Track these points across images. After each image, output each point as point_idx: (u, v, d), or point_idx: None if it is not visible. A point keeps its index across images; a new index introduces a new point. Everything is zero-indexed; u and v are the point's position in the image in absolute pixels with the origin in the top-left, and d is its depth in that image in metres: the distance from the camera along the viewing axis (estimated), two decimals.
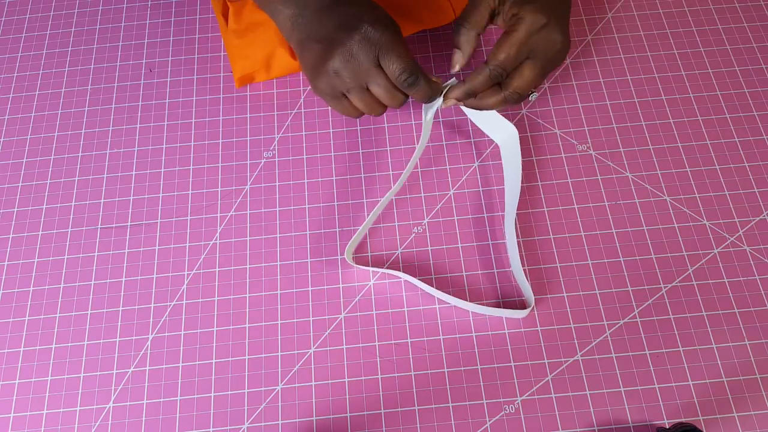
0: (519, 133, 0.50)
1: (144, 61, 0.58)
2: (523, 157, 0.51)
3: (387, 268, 0.47)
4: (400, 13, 0.54)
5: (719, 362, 0.44)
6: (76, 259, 0.49)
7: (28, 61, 0.58)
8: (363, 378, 0.45)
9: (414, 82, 0.42)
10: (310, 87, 0.45)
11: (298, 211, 0.50)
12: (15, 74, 0.58)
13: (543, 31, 0.42)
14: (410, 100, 0.51)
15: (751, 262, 0.47)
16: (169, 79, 0.57)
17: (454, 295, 0.46)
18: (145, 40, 0.59)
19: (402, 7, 0.55)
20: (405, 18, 0.55)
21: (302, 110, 0.54)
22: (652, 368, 0.44)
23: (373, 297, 0.47)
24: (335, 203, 0.50)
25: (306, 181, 0.51)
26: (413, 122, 0.53)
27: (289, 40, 0.45)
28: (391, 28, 0.42)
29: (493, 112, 0.47)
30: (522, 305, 0.46)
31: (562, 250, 0.48)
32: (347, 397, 0.44)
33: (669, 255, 0.47)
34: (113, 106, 0.56)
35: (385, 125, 0.53)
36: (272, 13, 0.45)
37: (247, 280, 0.48)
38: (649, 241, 0.48)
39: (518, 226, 0.49)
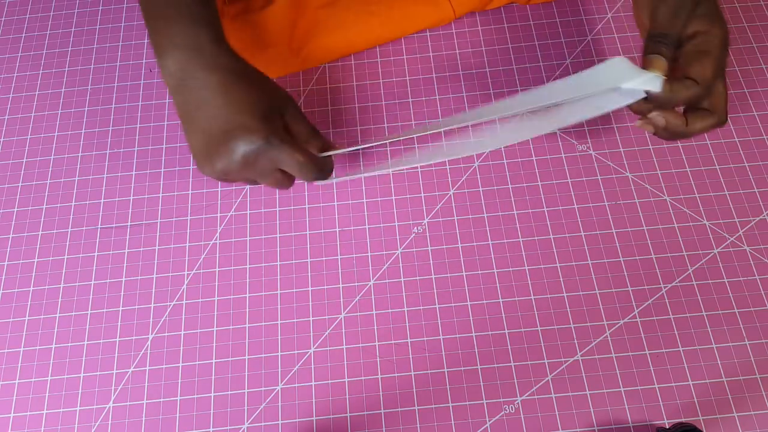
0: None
1: (144, 61, 0.58)
2: (523, 157, 0.51)
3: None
4: (400, 13, 0.55)
5: (719, 362, 0.44)
6: (76, 259, 0.49)
7: (27, 61, 0.58)
8: (363, 378, 0.45)
9: (318, 177, 0.41)
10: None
11: (298, 211, 0.50)
12: (15, 74, 0.58)
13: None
14: (409, 100, 0.51)
15: (751, 262, 0.47)
16: None
17: (453, 295, 0.46)
18: (145, 40, 0.59)
19: (402, 7, 0.55)
20: (405, 18, 0.55)
21: (302, 110, 0.54)
22: (652, 368, 0.44)
23: (373, 297, 0.47)
24: (335, 203, 0.50)
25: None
26: (413, 122, 0.53)
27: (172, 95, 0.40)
28: (279, 134, 0.38)
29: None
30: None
31: (562, 250, 0.48)
32: (347, 397, 0.44)
33: (669, 255, 0.47)
34: (113, 106, 0.56)
35: (385, 125, 0.53)
36: (157, 52, 0.39)
37: (247, 280, 0.48)
38: (649, 241, 0.48)
39: (518, 226, 0.49)
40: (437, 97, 0.54)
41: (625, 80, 0.40)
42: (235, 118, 0.38)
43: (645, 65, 0.40)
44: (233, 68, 0.39)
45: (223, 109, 0.38)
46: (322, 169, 0.41)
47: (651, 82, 0.39)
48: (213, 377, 0.45)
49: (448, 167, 0.52)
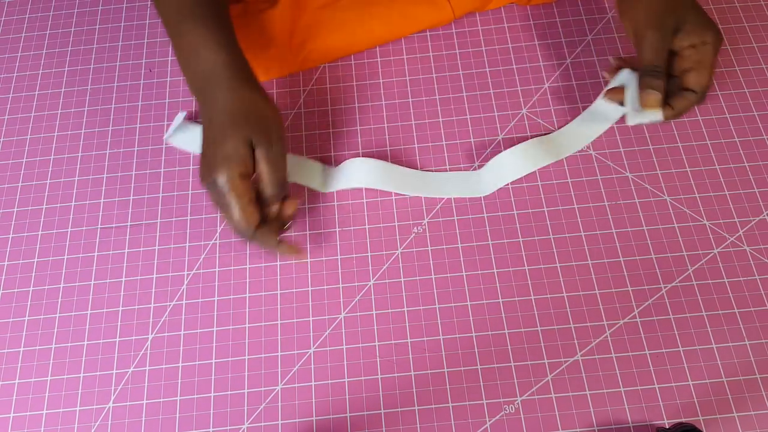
0: (518, 133, 0.51)
1: (144, 60, 0.58)
2: None
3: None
4: (400, 13, 0.55)
5: (719, 362, 0.44)
6: (76, 259, 0.49)
7: (27, 60, 0.58)
8: (363, 378, 0.45)
9: (241, 237, 0.44)
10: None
11: (298, 211, 0.50)
12: (15, 74, 0.58)
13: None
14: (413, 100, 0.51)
15: (751, 262, 0.47)
16: (169, 79, 0.57)
17: (453, 295, 0.46)
18: (145, 40, 0.59)
19: (402, 7, 0.55)
20: (405, 18, 0.55)
21: (302, 110, 0.54)
22: (651, 368, 0.44)
23: (373, 297, 0.47)
24: (335, 203, 0.50)
25: None
26: (413, 122, 0.53)
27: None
28: (232, 181, 0.41)
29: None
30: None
31: (561, 250, 0.48)
32: (347, 397, 0.44)
33: (669, 255, 0.47)
34: (113, 106, 0.56)
35: (385, 125, 0.53)
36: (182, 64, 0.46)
37: (247, 280, 0.48)
38: (649, 241, 0.48)
39: (518, 226, 0.49)
40: (437, 97, 0.54)
41: (628, 119, 0.48)
42: (216, 151, 0.42)
43: (641, 99, 0.45)
44: (239, 97, 0.43)
45: (217, 134, 0.42)
46: (243, 234, 0.43)
47: (652, 116, 0.46)
48: (213, 377, 0.45)
49: (448, 167, 0.51)
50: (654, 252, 0.47)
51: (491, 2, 0.56)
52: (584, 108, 0.53)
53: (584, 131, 0.51)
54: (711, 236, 0.48)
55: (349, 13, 0.54)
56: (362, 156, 0.52)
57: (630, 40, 0.48)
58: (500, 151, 0.51)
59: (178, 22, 0.45)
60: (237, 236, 0.46)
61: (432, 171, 0.51)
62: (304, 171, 0.51)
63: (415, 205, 0.50)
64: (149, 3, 0.61)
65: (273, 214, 0.44)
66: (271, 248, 0.44)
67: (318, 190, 0.50)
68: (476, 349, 0.45)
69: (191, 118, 0.54)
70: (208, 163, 0.42)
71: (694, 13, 0.45)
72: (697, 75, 0.45)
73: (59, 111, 0.56)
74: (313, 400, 0.44)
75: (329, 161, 0.52)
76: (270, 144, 0.43)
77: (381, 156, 0.52)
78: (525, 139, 0.52)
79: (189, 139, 0.52)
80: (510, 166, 0.49)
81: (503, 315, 0.46)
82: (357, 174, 0.50)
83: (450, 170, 0.51)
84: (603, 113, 0.51)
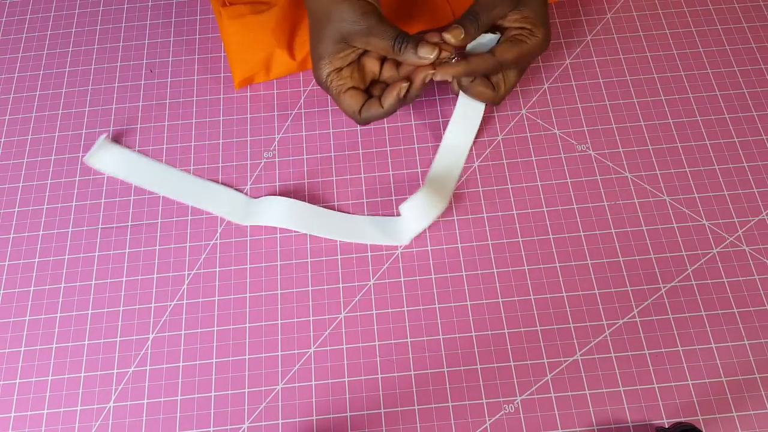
0: (518, 133, 0.51)
1: (144, 61, 0.58)
2: (522, 157, 0.51)
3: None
4: (398, 13, 0.55)
5: (718, 362, 0.44)
6: (77, 259, 0.49)
7: (28, 61, 0.59)
8: (363, 378, 0.45)
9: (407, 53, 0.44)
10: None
11: None
12: (15, 75, 0.58)
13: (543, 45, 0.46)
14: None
15: (750, 262, 0.47)
16: (169, 80, 0.57)
17: (453, 295, 0.46)
18: (146, 41, 0.59)
19: (401, 7, 0.55)
20: (404, 18, 0.55)
21: (302, 110, 0.55)
22: (651, 368, 0.44)
23: (373, 296, 0.47)
24: (335, 203, 0.51)
25: (306, 181, 0.52)
26: (413, 122, 0.53)
27: None
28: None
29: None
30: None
31: (561, 250, 0.48)
32: (347, 396, 0.44)
33: (668, 255, 0.47)
34: (113, 106, 0.56)
35: (385, 125, 0.53)
36: None
37: (247, 279, 0.48)
38: (648, 241, 0.48)
39: (518, 225, 0.49)
40: (437, 97, 0.54)
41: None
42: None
43: (448, 29, 0.44)
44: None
45: (311, 38, 0.46)
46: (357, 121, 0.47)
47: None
48: (213, 377, 0.45)
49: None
50: (653, 252, 0.48)
51: None
52: (583, 108, 0.53)
53: (460, 142, 0.51)
54: (710, 236, 0.48)
55: None
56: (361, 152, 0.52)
57: None
58: (500, 147, 0.51)
59: None
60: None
61: (350, 214, 0.50)
62: (224, 201, 0.50)
63: None
64: (150, 4, 0.61)
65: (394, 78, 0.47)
66: (392, 107, 0.46)
67: (238, 223, 0.50)
68: (476, 349, 0.45)
69: (118, 140, 0.54)
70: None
71: (539, 6, 0.46)
72: (506, 49, 0.45)
73: (60, 111, 0.56)
74: (314, 400, 0.44)
75: (329, 161, 0.52)
76: (357, 24, 0.43)
77: (381, 156, 0.52)
78: (525, 138, 0.52)
79: (111, 162, 0.52)
80: (418, 218, 0.48)
81: (503, 315, 0.46)
82: (272, 213, 0.49)
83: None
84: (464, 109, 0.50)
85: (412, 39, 0.43)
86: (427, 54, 0.43)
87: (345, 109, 0.46)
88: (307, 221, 0.49)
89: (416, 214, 0.47)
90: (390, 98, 0.45)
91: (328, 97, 0.55)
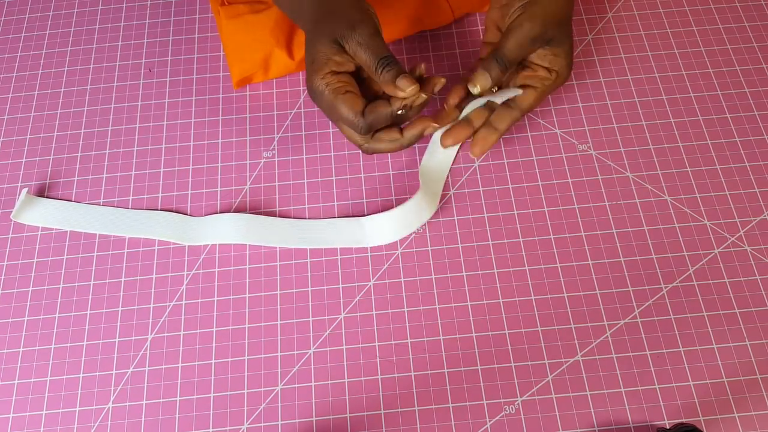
0: (518, 133, 0.51)
1: (143, 60, 0.58)
2: (523, 157, 0.51)
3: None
4: (398, 13, 0.55)
5: (720, 362, 0.44)
6: (75, 259, 0.49)
7: (27, 60, 0.58)
8: (363, 378, 0.44)
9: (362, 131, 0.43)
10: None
11: (298, 211, 0.50)
12: (14, 74, 0.58)
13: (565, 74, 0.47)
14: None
15: (752, 262, 0.47)
16: (168, 79, 0.56)
17: (453, 295, 0.46)
18: (145, 40, 0.59)
19: (401, 7, 0.54)
20: (404, 18, 0.55)
21: (302, 110, 0.54)
22: (652, 369, 0.44)
23: (372, 297, 0.47)
24: (335, 203, 0.50)
25: (306, 181, 0.51)
26: None
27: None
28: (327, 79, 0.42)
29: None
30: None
31: (562, 250, 0.48)
32: (347, 397, 0.44)
33: (670, 255, 0.47)
34: (113, 105, 0.56)
35: None
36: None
37: (247, 280, 0.48)
38: (649, 241, 0.48)
39: (519, 225, 0.49)
40: (437, 97, 0.54)
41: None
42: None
43: (473, 76, 0.45)
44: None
45: (306, 45, 0.44)
46: (358, 130, 0.43)
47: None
48: (212, 378, 0.45)
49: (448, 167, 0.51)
50: (655, 252, 0.47)
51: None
52: (584, 108, 0.53)
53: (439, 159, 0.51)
54: (712, 236, 0.48)
55: None
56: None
57: (493, 18, 0.48)
58: (501, 149, 0.50)
59: None
60: (355, 142, 0.45)
61: (313, 220, 0.49)
62: (158, 224, 0.49)
63: None
64: (148, 3, 0.61)
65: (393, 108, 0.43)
66: (394, 143, 0.45)
67: (179, 243, 0.49)
68: (476, 350, 0.45)
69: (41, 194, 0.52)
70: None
71: (569, 43, 0.46)
72: (528, 94, 0.46)
73: (59, 111, 0.56)
74: (313, 401, 0.44)
75: (329, 161, 0.52)
76: (353, 30, 0.41)
77: (381, 155, 0.52)
78: (525, 138, 0.52)
79: (39, 216, 0.50)
80: (392, 229, 0.48)
81: (503, 315, 0.46)
82: (224, 230, 0.49)
83: (450, 170, 0.51)
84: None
85: (396, 66, 0.41)
86: (404, 87, 0.41)
87: (344, 115, 0.42)
88: (261, 233, 0.48)
89: (382, 229, 0.48)
90: (414, 131, 0.45)
91: None
